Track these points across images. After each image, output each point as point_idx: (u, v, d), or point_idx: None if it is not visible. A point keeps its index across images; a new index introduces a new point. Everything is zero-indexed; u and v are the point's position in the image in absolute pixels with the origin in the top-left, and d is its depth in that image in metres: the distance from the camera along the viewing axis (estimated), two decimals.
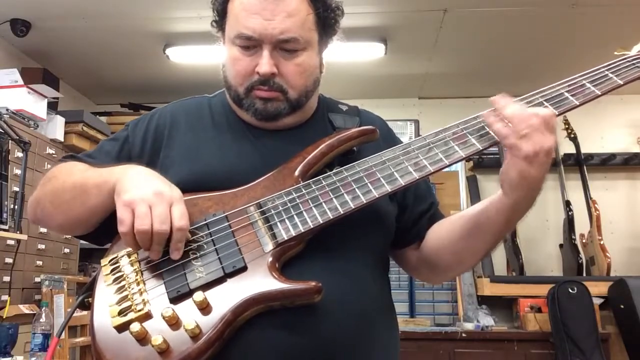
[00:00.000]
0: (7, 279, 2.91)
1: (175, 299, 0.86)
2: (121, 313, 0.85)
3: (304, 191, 0.94)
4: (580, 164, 4.27)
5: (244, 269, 0.88)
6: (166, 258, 0.89)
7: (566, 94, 0.97)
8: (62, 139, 3.57)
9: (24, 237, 2.97)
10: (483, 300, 3.95)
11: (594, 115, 4.32)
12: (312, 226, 0.90)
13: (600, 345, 3.43)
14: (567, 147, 4.32)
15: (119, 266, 0.91)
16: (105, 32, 3.60)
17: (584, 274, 3.97)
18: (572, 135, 4.27)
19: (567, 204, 4.18)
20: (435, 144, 0.95)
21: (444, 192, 4.14)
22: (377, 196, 0.92)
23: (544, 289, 3.68)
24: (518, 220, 0.97)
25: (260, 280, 0.86)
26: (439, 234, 1.09)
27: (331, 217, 0.90)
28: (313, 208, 0.92)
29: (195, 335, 0.81)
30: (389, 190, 0.92)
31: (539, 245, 4.35)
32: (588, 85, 0.98)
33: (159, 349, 0.81)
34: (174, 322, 0.83)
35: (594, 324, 3.49)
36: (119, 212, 0.88)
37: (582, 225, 4.13)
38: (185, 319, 0.82)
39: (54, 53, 3.88)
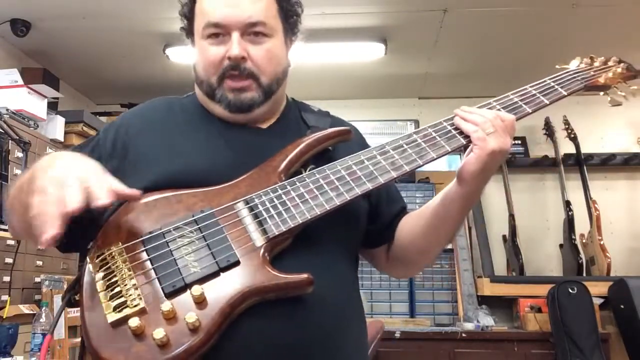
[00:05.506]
0: (7, 279, 2.91)
1: (170, 294, 0.86)
2: (116, 309, 0.85)
3: (289, 188, 0.97)
4: (580, 164, 4.27)
5: (237, 263, 0.90)
6: (157, 254, 0.90)
7: (520, 102, 1.08)
8: (62, 139, 3.56)
9: None
10: (483, 300, 3.95)
11: (594, 116, 4.32)
12: (300, 221, 0.93)
13: (600, 345, 3.43)
14: (567, 147, 4.32)
15: (107, 262, 0.90)
16: (105, 32, 3.60)
17: (584, 274, 3.98)
18: (572, 136, 4.27)
19: (567, 204, 4.18)
20: (409, 145, 1.02)
21: None
22: (359, 193, 0.96)
23: (544, 289, 3.69)
24: (470, 209, 1.08)
25: (254, 274, 0.88)
26: (404, 231, 1.14)
27: (318, 213, 0.94)
28: (300, 204, 0.95)
29: (195, 328, 0.82)
30: (370, 187, 0.97)
31: (539, 245, 4.35)
32: (538, 95, 1.10)
33: (160, 342, 0.81)
34: (172, 317, 0.84)
35: (594, 324, 3.49)
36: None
37: (582, 225, 4.14)
38: (184, 313, 0.83)
39: (54, 53, 3.88)
